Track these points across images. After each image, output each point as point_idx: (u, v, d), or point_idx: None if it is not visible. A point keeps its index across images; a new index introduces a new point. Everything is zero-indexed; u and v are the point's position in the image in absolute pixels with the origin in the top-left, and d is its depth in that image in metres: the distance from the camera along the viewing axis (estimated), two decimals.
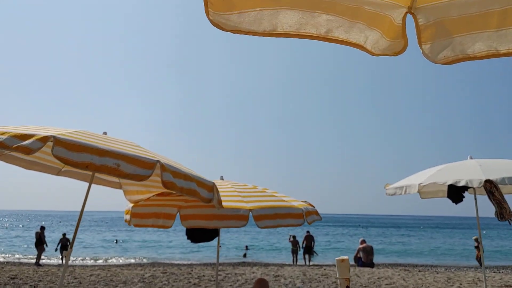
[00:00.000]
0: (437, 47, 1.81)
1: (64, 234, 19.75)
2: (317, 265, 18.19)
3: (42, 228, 19.05)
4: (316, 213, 5.64)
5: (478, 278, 13.07)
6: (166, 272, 13.44)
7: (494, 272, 15.67)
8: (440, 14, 1.78)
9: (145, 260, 22.92)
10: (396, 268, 17.20)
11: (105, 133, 4.48)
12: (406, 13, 1.82)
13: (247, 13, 1.63)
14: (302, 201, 5.59)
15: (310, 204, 5.64)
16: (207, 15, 1.57)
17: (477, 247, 22.66)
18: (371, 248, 16.72)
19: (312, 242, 22.07)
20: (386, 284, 11.44)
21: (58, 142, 3.22)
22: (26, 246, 30.94)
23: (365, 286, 11.11)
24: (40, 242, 18.19)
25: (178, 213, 4.96)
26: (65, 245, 18.83)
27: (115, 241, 37.59)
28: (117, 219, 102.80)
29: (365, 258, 16.36)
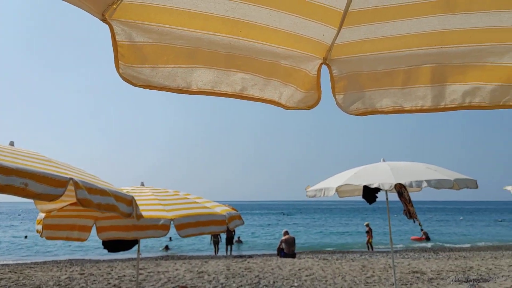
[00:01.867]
0: (349, 99, 1.89)
1: None
2: (241, 257, 18.46)
3: None
4: (239, 217, 5.70)
5: (389, 265, 14.09)
6: (84, 273, 12.86)
7: (403, 258, 16.95)
8: (352, 68, 1.86)
9: (61, 258, 21.70)
10: (316, 257, 17.98)
11: (12, 143, 4.13)
12: (321, 64, 1.87)
13: (161, 68, 1.58)
14: (225, 206, 5.62)
15: (233, 209, 5.68)
16: (117, 68, 1.50)
17: (367, 232, 24.44)
18: (293, 239, 17.38)
19: (233, 233, 22.58)
20: (306, 276, 11.93)
21: None
22: None
23: (286, 279, 11.49)
24: None
25: (94, 225, 4.76)
26: None
27: (25, 237, 35.00)
28: (29, 211, 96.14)
29: (287, 250, 16.94)
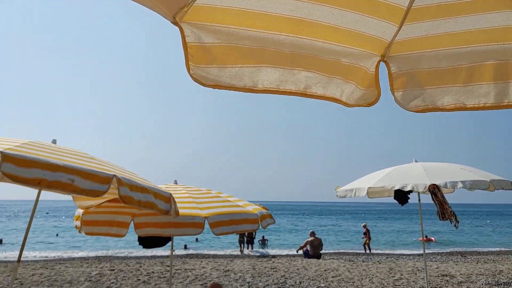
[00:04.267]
0: (408, 96, 1.91)
1: None
2: (265, 257, 18.51)
3: None
4: (270, 216, 5.74)
5: (417, 268, 13.88)
6: (113, 269, 13.14)
7: (431, 261, 16.66)
8: (411, 65, 1.88)
9: (90, 255, 22.19)
10: (341, 258, 17.85)
11: (54, 141, 4.28)
12: (379, 61, 1.90)
13: (229, 68, 1.64)
14: (256, 205, 5.66)
15: (264, 208, 5.72)
16: (188, 69, 1.56)
17: (365, 234, 23.99)
18: (320, 242, 17.17)
19: (254, 233, 22.75)
20: (333, 277, 11.87)
21: (7, 158, 3.04)
22: None
23: (312, 279, 11.46)
24: None
25: (132, 221, 4.88)
26: None
27: (56, 235, 36.08)
28: (58, 209, 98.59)
29: (312, 252, 16.81)
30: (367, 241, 23.65)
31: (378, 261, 16.35)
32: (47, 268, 13.45)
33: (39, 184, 3.16)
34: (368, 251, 23.26)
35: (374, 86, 1.89)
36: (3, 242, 27.38)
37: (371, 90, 1.89)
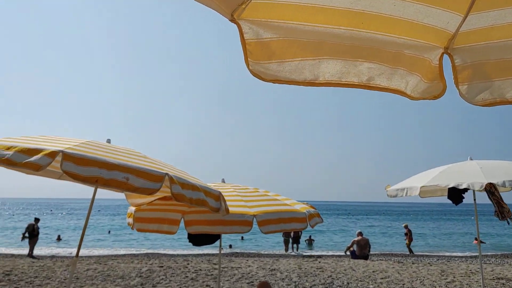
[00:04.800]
0: (474, 89, 1.81)
1: (37, 220, 19.21)
2: (311, 257, 18.36)
3: (37, 220, 18.96)
4: (318, 215, 5.67)
5: (471, 270, 13.30)
6: (162, 266, 13.48)
7: (485, 263, 15.91)
8: (477, 57, 1.78)
9: (140, 252, 22.89)
10: (390, 259, 17.41)
11: (108, 140, 4.43)
12: (443, 53, 1.81)
13: (288, 62, 1.62)
14: (304, 204, 5.61)
15: (311, 207, 5.66)
16: (247, 65, 1.56)
17: (406, 234, 23.03)
18: (367, 242, 16.79)
19: (300, 232, 22.62)
20: (382, 278, 11.59)
21: (66, 157, 3.18)
22: (16, 236, 30.68)
23: (360, 280, 11.25)
24: (33, 234, 18.13)
25: (182, 219, 4.97)
26: (31, 233, 18.33)
27: (108, 232, 37.56)
28: (109, 207, 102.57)
29: (359, 252, 16.47)
30: (408, 242, 22.96)
31: (429, 263, 15.80)
32: (100, 264, 14.01)
33: (96, 182, 3.28)
34: (410, 253, 22.57)
35: (438, 79, 1.80)
36: (61, 238, 28.76)
37: (436, 82, 1.81)
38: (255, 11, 1.53)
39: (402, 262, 15.79)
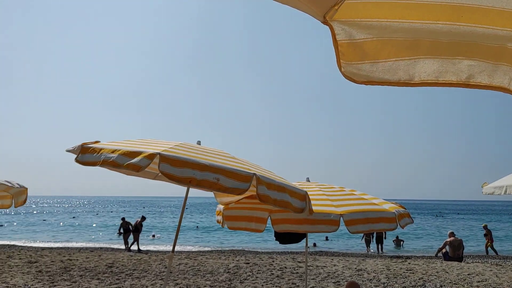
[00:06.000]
0: None
1: (123, 219, 21.04)
2: (399, 257, 17.65)
3: (143, 218, 20.51)
4: (408, 215, 5.46)
5: None
6: (248, 263, 13.81)
7: None
8: None
9: (224, 248, 23.66)
10: (486, 262, 16.17)
11: (199, 142, 4.65)
12: None
13: (381, 63, 1.59)
14: (392, 203, 5.43)
15: (401, 206, 5.46)
16: (339, 67, 1.56)
17: (486, 235, 20.83)
18: (460, 242, 15.74)
19: (384, 232, 21.88)
20: (478, 282, 10.81)
21: (163, 158, 3.41)
22: (113, 232, 33.23)
23: (455, 283, 10.60)
24: (136, 230, 19.66)
25: (269, 217, 5.06)
26: (126, 229, 20.09)
27: (196, 226, 39.44)
28: (192, 205, 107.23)
29: (451, 253, 15.50)
30: (489, 243, 21.11)
31: None
32: (190, 259, 14.72)
33: (190, 182, 3.48)
34: (494, 253, 20.76)
35: None
36: (155, 236, 30.71)
37: None
38: (347, 11, 1.51)
39: (500, 265, 14.57)
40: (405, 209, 5.50)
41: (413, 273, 12.21)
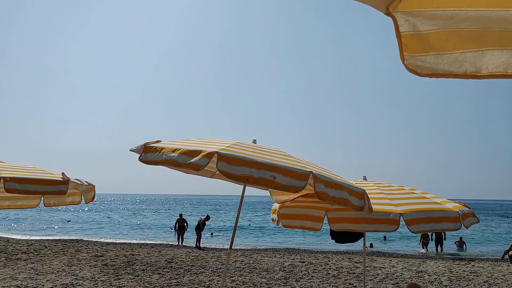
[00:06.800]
0: None
1: (181, 215, 21.76)
2: (461, 260, 16.84)
3: (208, 217, 21.15)
4: (473, 215, 5.21)
5: None
6: (304, 262, 13.77)
7: None
8: None
9: (278, 246, 23.67)
10: None
11: (254, 141, 4.70)
12: None
13: (447, 55, 1.54)
14: (456, 202, 5.20)
15: (465, 206, 5.22)
16: (403, 60, 1.53)
17: None
18: None
19: (443, 233, 21.03)
20: None
21: (221, 157, 3.48)
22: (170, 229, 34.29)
23: None
24: (198, 227, 20.29)
25: (326, 216, 5.02)
26: (181, 226, 21.21)
27: (248, 224, 39.93)
28: (251, 204, 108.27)
29: None
30: None
31: None
32: (246, 256, 14.91)
33: (247, 180, 3.53)
34: None
35: None
36: (213, 235, 31.42)
37: None
38: (411, 1, 1.46)
39: None
40: (470, 208, 5.25)
41: (478, 276, 11.61)
